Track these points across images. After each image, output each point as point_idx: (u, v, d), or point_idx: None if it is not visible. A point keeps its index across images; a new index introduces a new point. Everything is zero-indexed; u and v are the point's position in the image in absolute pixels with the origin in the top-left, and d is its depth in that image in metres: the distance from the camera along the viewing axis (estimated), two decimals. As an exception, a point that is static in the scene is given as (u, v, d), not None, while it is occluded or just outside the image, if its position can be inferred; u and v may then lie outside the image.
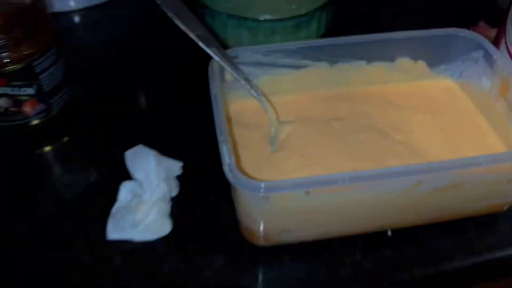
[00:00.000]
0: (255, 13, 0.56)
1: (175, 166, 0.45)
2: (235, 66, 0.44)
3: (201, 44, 0.43)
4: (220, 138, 0.37)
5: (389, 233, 0.43)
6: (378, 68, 0.50)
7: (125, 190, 0.42)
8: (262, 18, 0.56)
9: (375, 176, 0.35)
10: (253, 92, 0.44)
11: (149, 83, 0.59)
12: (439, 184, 0.38)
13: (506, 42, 0.49)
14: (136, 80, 0.60)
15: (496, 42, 0.53)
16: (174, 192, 0.44)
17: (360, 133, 0.46)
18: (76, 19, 0.68)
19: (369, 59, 0.48)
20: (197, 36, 0.43)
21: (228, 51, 0.45)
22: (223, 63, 0.43)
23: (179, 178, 0.45)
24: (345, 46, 0.47)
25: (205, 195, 0.45)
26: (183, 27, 0.42)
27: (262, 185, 0.34)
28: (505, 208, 0.44)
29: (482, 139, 0.46)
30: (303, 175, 0.39)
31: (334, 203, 0.38)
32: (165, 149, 0.45)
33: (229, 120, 0.47)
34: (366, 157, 0.44)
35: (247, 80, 0.44)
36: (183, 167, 0.46)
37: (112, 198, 0.42)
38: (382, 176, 0.35)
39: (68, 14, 0.67)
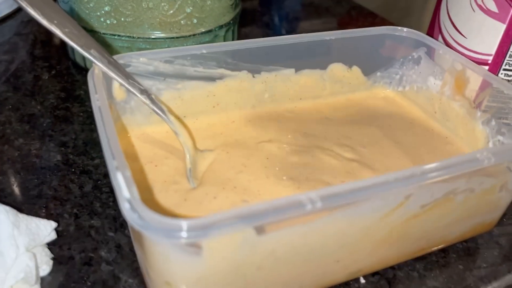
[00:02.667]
0: (145, 30, 0.45)
1: (45, 228, 0.30)
2: (126, 75, 0.31)
3: (73, 44, 0.30)
4: (112, 164, 0.24)
5: (362, 280, 0.31)
6: (309, 79, 0.41)
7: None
8: (153, 36, 0.46)
9: (358, 191, 0.24)
10: (154, 108, 0.32)
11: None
12: (429, 199, 0.28)
13: (441, 33, 0.42)
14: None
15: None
16: (44, 270, 0.30)
17: (302, 154, 0.35)
18: None
19: (298, 66, 0.38)
20: (66, 34, 0.30)
21: (116, 57, 0.33)
22: (108, 71, 0.30)
23: (52, 246, 0.31)
24: (268, 49, 0.37)
25: (93, 269, 0.31)
26: (45, 22, 0.29)
27: (184, 224, 0.21)
28: (494, 226, 0.35)
29: (444, 148, 0.38)
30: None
31: (296, 245, 0.25)
32: (26, 202, 0.33)
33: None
34: (317, 181, 0.33)
35: (145, 93, 0.32)
36: (58, 230, 0.32)
37: None
38: (369, 189, 0.24)
39: None
